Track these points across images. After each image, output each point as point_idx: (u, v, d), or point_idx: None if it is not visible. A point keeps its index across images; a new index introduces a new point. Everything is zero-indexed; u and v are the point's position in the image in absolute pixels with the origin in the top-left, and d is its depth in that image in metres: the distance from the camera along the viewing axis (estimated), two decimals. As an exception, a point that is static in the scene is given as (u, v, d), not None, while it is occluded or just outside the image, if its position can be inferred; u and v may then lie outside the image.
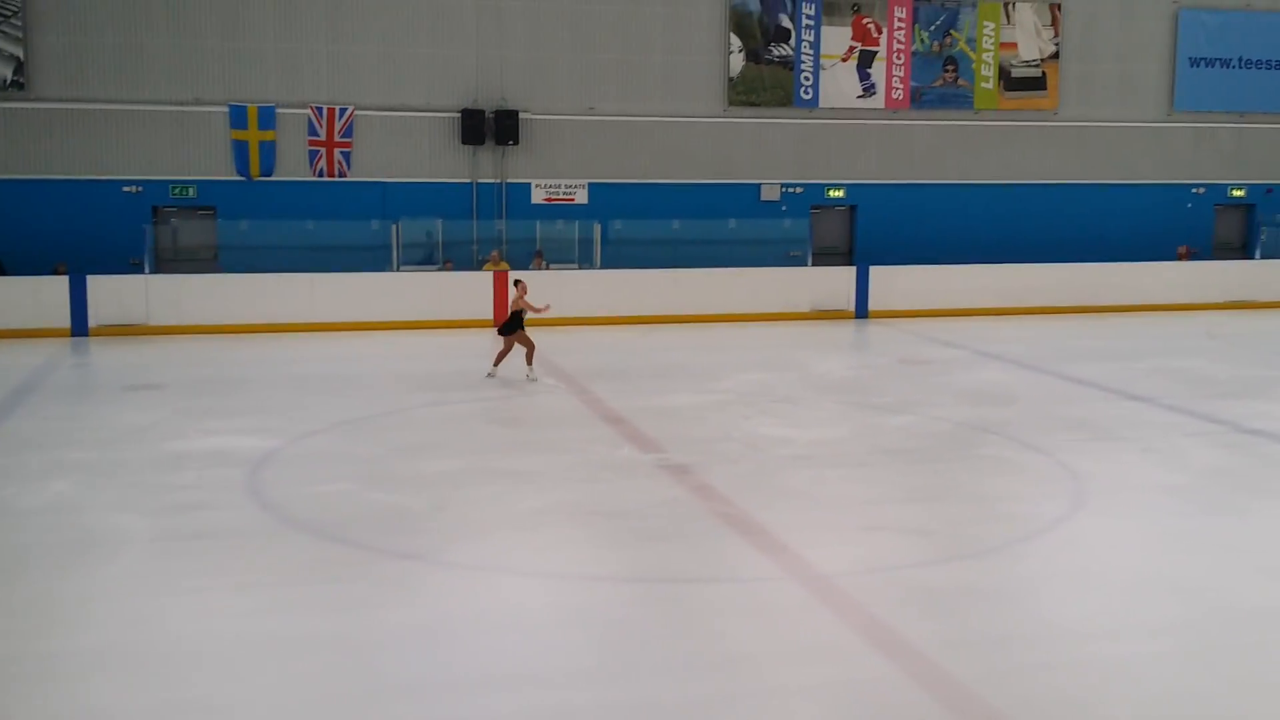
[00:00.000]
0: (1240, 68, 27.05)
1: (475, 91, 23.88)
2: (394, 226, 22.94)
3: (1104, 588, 8.53)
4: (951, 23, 25.78)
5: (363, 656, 7.15)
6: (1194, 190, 27.09)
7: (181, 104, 22.91)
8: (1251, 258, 26.72)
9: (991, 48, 25.97)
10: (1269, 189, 27.25)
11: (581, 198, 24.51)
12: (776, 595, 8.36)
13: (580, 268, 23.63)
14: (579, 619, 7.87)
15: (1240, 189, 27.28)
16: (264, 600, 8.04)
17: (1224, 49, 26.91)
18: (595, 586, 8.49)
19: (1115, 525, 10.03)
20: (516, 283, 16.65)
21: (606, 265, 23.45)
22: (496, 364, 16.26)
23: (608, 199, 24.45)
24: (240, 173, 23.18)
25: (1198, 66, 26.83)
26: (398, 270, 22.59)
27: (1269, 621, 7.89)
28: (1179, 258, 25.92)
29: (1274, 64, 27.18)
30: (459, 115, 23.79)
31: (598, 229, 23.81)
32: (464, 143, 23.83)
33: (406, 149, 23.83)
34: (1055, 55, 26.21)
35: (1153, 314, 23.85)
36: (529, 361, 16.16)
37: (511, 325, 16.22)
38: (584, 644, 7.45)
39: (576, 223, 24.06)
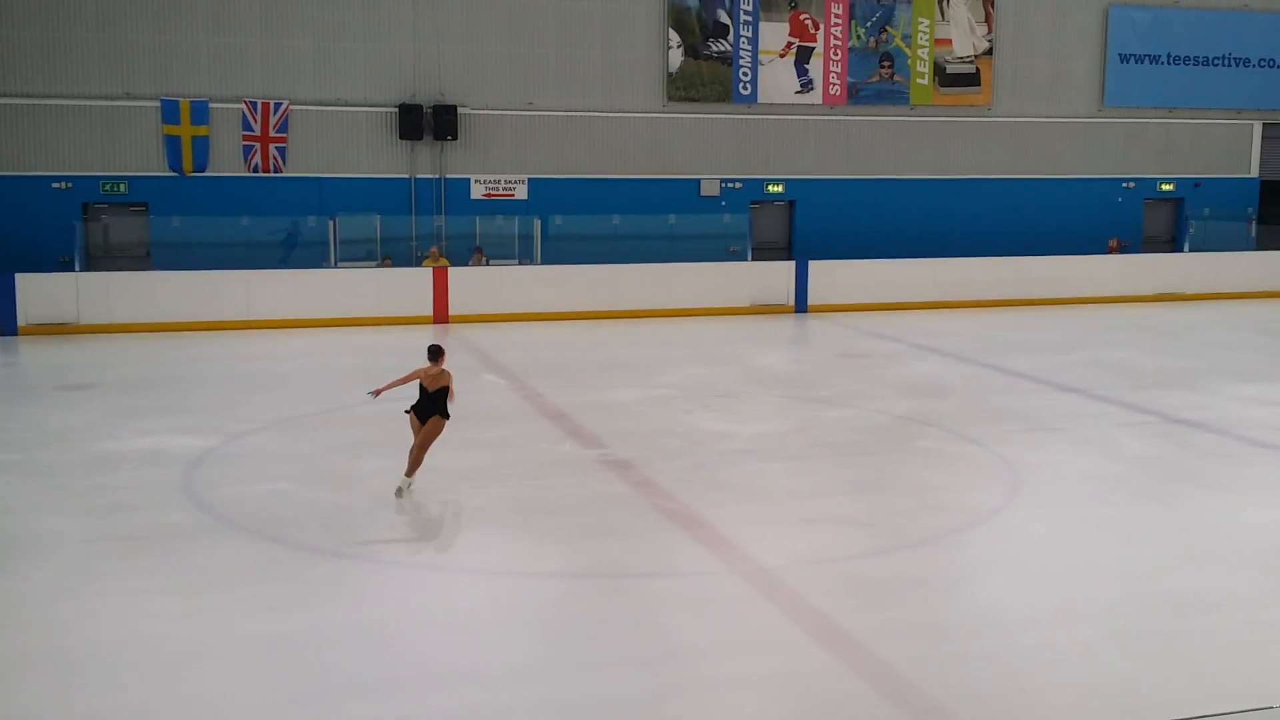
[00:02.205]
0: (1169, 64, 27.56)
1: (413, 86, 23.70)
2: (331, 223, 22.71)
3: (1039, 576, 8.67)
4: (887, 19, 26.01)
5: (301, 657, 7.08)
6: (1124, 185, 27.58)
7: (112, 98, 22.49)
8: (1180, 251, 27.25)
9: (926, 44, 26.23)
10: (1197, 183, 27.82)
11: (521, 193, 24.42)
12: (718, 589, 8.40)
13: (520, 263, 23.54)
14: (520, 616, 7.86)
15: (1169, 183, 27.81)
16: (200, 602, 7.93)
17: (1153, 45, 27.41)
18: (537, 583, 8.48)
19: (1049, 515, 10.19)
20: (436, 352, 10.49)
21: (547, 261, 23.38)
22: (411, 471, 10.27)
23: (548, 194, 24.38)
24: (173, 168, 22.81)
25: (1128, 62, 27.31)
26: (335, 267, 22.37)
27: (1198, 608, 8.06)
28: (1110, 251, 26.38)
29: (1202, 60, 27.73)
30: (396, 110, 23.59)
31: (538, 224, 23.74)
32: (402, 138, 23.64)
33: (343, 144, 23.59)
34: (989, 51, 26.55)
35: (1084, 307, 24.25)
36: (416, 463, 10.28)
37: (431, 405, 10.30)
38: (525, 641, 7.43)
39: (516, 218, 23.98)
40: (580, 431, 12.95)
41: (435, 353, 10.38)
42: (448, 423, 10.30)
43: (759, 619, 7.85)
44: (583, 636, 7.49)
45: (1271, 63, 27.98)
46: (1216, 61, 27.76)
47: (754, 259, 24.57)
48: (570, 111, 24.56)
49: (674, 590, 8.32)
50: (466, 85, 24.00)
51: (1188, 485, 11.15)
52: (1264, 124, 28.09)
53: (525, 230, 23.83)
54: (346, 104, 23.49)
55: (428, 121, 23.68)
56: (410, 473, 10.20)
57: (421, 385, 10.30)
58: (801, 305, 23.44)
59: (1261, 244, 27.65)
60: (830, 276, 23.62)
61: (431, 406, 10.22)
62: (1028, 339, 19.90)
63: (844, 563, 8.77)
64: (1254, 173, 28.14)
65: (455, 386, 10.42)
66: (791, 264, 23.81)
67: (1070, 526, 9.88)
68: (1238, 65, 27.88)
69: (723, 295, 23.18)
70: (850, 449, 12.43)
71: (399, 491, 10.18)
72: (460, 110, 23.84)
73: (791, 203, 26.01)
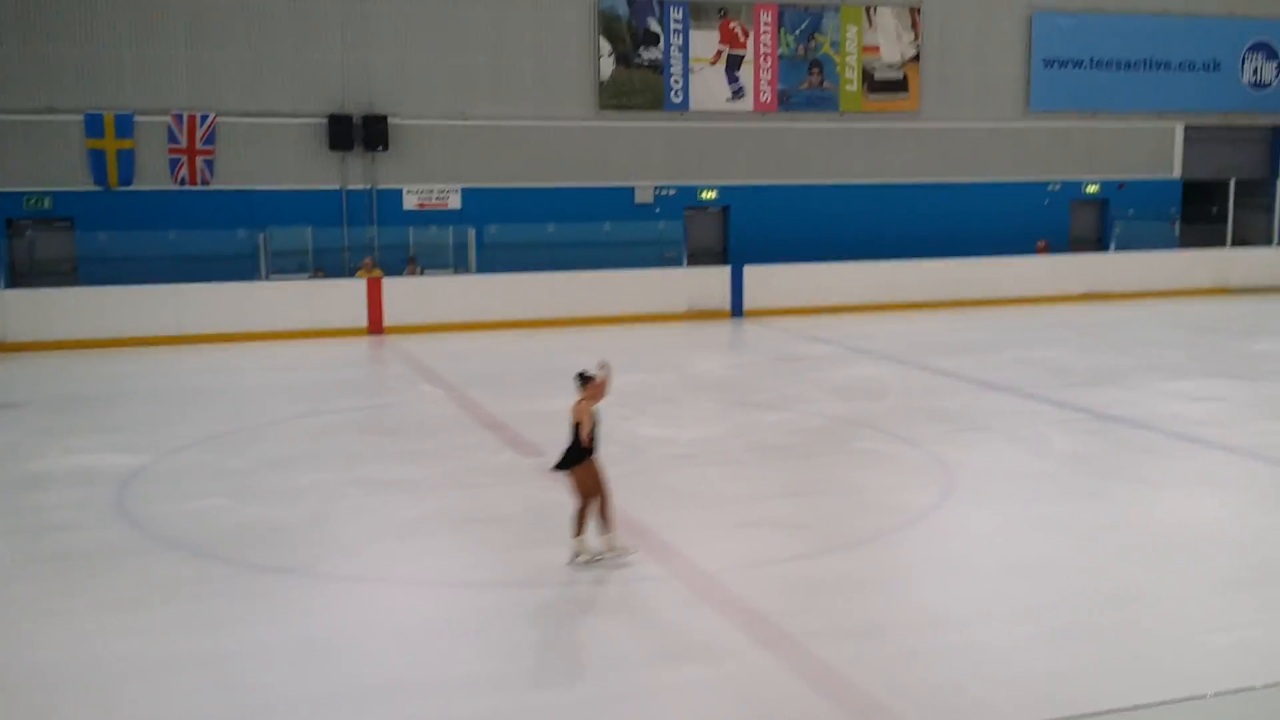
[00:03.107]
0: (1092, 68, 28.12)
1: (342, 96, 23.52)
2: (261, 235, 22.45)
3: (974, 574, 8.79)
4: (816, 26, 26.27)
5: (236, 675, 6.99)
6: (1050, 187, 28.09)
7: (34, 112, 22.05)
8: (1106, 251, 27.80)
9: (855, 51, 26.53)
10: (1121, 185, 28.40)
11: (455, 203, 24.32)
12: (659, 594, 8.42)
13: (455, 273, 23.44)
14: (459, 627, 7.82)
15: (1094, 185, 28.36)
16: (133, 621, 7.80)
17: (1076, 50, 27.95)
18: (476, 593, 8.44)
19: (983, 513, 10.34)
20: (584, 379, 8.98)
21: (482, 270, 23.32)
22: (580, 531, 8.82)
23: (481, 204, 24.31)
24: (98, 182, 22.42)
25: (1052, 67, 27.81)
26: (266, 279, 22.11)
27: (1130, 601, 8.22)
28: (1038, 252, 26.84)
29: (1124, 64, 28.32)
30: (326, 121, 23.39)
31: (472, 234, 23.66)
32: (332, 149, 23.44)
33: (272, 156, 23.33)
34: (916, 58, 26.91)
35: (1015, 307, 24.64)
36: (606, 522, 8.90)
37: (574, 456, 8.85)
38: (464, 652, 7.40)
39: (450, 228, 23.88)
40: (519, 440, 12.92)
41: (582, 380, 8.88)
42: (584, 465, 8.79)
43: (700, 623, 7.88)
44: (523, 646, 7.47)
45: (1192, 65, 28.66)
46: (1138, 65, 28.37)
47: (689, 265, 24.68)
48: (503, 121, 24.51)
49: (615, 598, 8.33)
50: (397, 95, 23.86)
51: (1117, 480, 11.37)
52: (1185, 126, 28.76)
53: (460, 240, 23.74)
54: (275, 115, 23.25)
55: (358, 132, 23.50)
56: (579, 532, 8.82)
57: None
58: (737, 310, 23.58)
59: (1184, 243, 28.29)
60: (765, 281, 23.79)
61: (573, 455, 8.78)
62: (960, 339, 20.18)
63: (783, 565, 8.83)
64: (1176, 173, 28.79)
65: (582, 419, 8.76)
66: (727, 269, 23.95)
67: (1004, 524, 10.03)
68: (1159, 69, 28.52)
69: (659, 301, 23.26)
70: (788, 452, 12.52)
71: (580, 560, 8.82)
72: (391, 120, 23.70)
73: (726, 209, 26.17)
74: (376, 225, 23.64)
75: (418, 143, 24.06)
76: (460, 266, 23.65)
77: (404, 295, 21.86)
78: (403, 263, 23.19)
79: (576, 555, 8.90)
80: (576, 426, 8.77)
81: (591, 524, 8.82)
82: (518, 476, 11.46)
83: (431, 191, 24.22)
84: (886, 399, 15.21)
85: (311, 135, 23.49)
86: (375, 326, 21.49)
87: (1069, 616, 7.95)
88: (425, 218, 24.07)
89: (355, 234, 23.60)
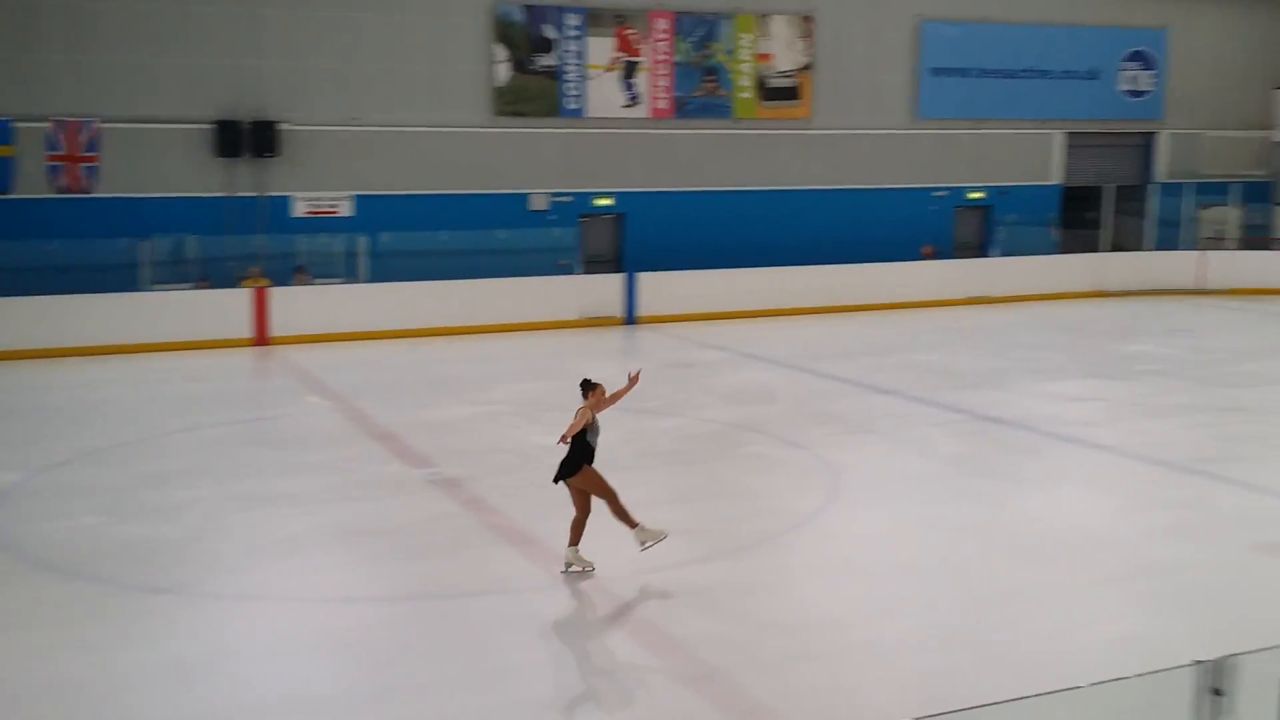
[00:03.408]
0: (978, 77, 28.77)
1: (231, 102, 23.00)
2: (144, 244, 21.84)
3: (860, 575, 8.94)
4: (710, 34, 26.46)
5: (109, 700, 6.79)
6: (936, 194, 28.67)
7: (-100, 116, 21.18)
8: (989, 255, 28.47)
9: (749, 59, 26.78)
10: (1004, 190, 29.09)
11: (346, 210, 23.94)
12: (549, 604, 8.41)
13: (346, 282, 23.08)
14: (346, 642, 7.70)
15: (978, 191, 29.01)
16: (4, 644, 7.53)
17: (963, 59, 28.56)
18: (362, 608, 8.32)
19: (870, 515, 10.52)
20: (589, 386, 9.39)
21: (373, 278, 22.97)
22: (574, 541, 8.93)
23: (373, 211, 23.96)
24: (-28, 190, 21.61)
25: (939, 76, 28.39)
26: (149, 290, 21.51)
27: (1011, 599, 8.42)
28: (924, 257, 27.36)
29: (1008, 73, 29.02)
30: (214, 127, 22.86)
31: (363, 242, 23.31)
32: (219, 155, 22.89)
33: (158, 163, 22.69)
34: (808, 66, 27.26)
35: (901, 311, 25.09)
36: (625, 519, 8.89)
37: (571, 466, 8.99)
38: (350, 668, 7.29)
39: (341, 236, 23.49)
40: (408, 451, 12.77)
41: (586, 388, 9.21)
42: (581, 473, 8.91)
43: (590, 633, 7.88)
44: (411, 660, 7.38)
45: (1072, 74, 29.49)
46: (1021, 74, 29.10)
47: (584, 272, 24.65)
48: (396, 127, 24.22)
49: (504, 608, 8.28)
50: (288, 100, 23.41)
51: (998, 480, 11.66)
52: (1066, 133, 29.57)
53: (351, 248, 23.37)
54: (160, 121, 22.64)
55: (246, 138, 23.00)
56: (574, 542, 8.90)
57: None
58: (631, 317, 23.62)
59: (1064, 247, 29.10)
60: (659, 288, 23.87)
61: (576, 457, 8.93)
62: (848, 344, 20.50)
63: (673, 571, 8.86)
64: (1056, 180, 29.60)
65: (575, 421, 8.96)
66: (621, 276, 23.97)
67: (889, 525, 10.21)
68: (1041, 77, 29.29)
69: (553, 309, 23.19)
70: (679, 458, 12.59)
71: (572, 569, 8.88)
72: (281, 126, 23.25)
73: (621, 215, 26.20)
74: (264, 233, 23.16)
75: (308, 149, 23.63)
76: (351, 275, 23.27)
77: (292, 305, 21.45)
78: (291, 272, 22.75)
79: (568, 565, 8.86)
80: (576, 436, 8.87)
81: (606, 526, 8.91)
82: (407, 488, 11.33)
83: (322, 199, 23.81)
84: (776, 404, 15.37)
85: (199, 141, 22.92)
86: (261, 337, 21.05)
87: (952, 615, 8.12)
88: (316, 225, 23.64)
89: (242, 242, 23.08)
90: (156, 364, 19.00)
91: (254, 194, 23.27)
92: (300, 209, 23.55)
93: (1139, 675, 4.24)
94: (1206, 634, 7.49)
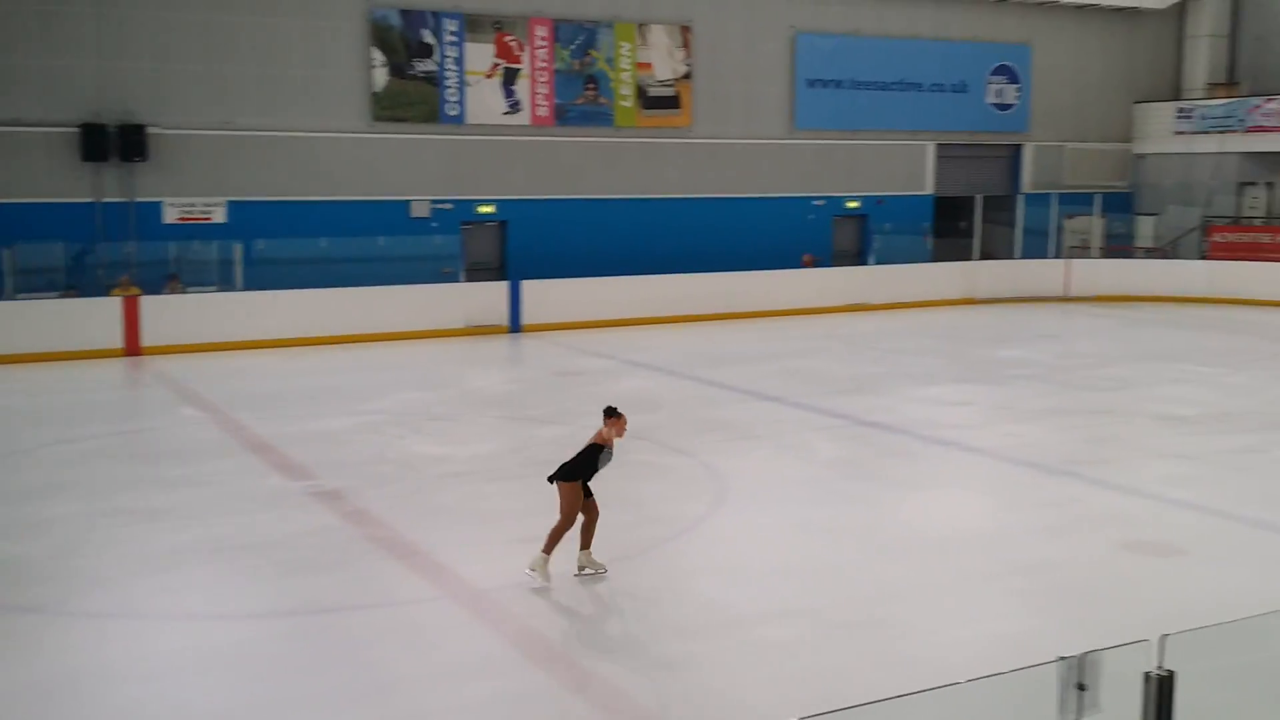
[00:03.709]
0: (852, 89, 29.37)
1: (97, 105, 22.26)
2: (7, 251, 21.00)
3: (746, 579, 9.02)
4: (590, 42, 26.52)
5: (-28, 726, 6.50)
6: (815, 203, 29.18)
7: None
8: (866, 263, 29.08)
9: (629, 67, 26.92)
10: (880, 200, 29.75)
11: (220, 216, 23.35)
12: (432, 616, 8.30)
13: (220, 290, 22.50)
14: (222, 659, 7.49)
15: (855, 201, 29.62)
16: None
17: (836, 71, 29.14)
18: (239, 624, 8.11)
19: (755, 519, 10.64)
20: (611, 414, 9.33)
21: (249, 286, 22.44)
22: (548, 549, 8.85)
23: (249, 217, 23.41)
24: None
25: (814, 87, 28.91)
26: (14, 299, 20.68)
27: (891, 599, 8.60)
28: (803, 265, 27.83)
29: (880, 85, 29.68)
30: (79, 130, 22.09)
31: (238, 249, 22.74)
32: (85, 159, 22.14)
33: (21, 167, 21.83)
34: (688, 75, 27.51)
35: (782, 318, 25.46)
36: (552, 542, 8.86)
37: (570, 471, 9.11)
38: (225, 687, 7.09)
39: (215, 243, 22.88)
40: (287, 464, 12.49)
41: (610, 415, 9.24)
42: (573, 485, 9.02)
43: (474, 643, 7.80)
44: (291, 676, 7.21)
45: (941, 87, 30.30)
46: (893, 86, 29.79)
47: (467, 280, 24.47)
48: (271, 131, 23.71)
49: (386, 621, 8.15)
50: (157, 104, 22.75)
51: (877, 483, 11.90)
52: (937, 144, 30.36)
53: (225, 255, 22.78)
54: (22, 124, 21.81)
55: (114, 142, 22.29)
56: (547, 550, 8.83)
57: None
58: (516, 325, 23.52)
59: (936, 256, 29.87)
60: (544, 296, 23.82)
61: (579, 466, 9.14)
62: (731, 351, 20.71)
63: (561, 579, 8.83)
64: (929, 190, 30.37)
65: (597, 440, 9.19)
66: (505, 284, 23.86)
67: (773, 529, 10.34)
68: (912, 90, 30.03)
69: (436, 317, 22.95)
70: (564, 466, 12.53)
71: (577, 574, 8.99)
72: (150, 130, 22.58)
73: (503, 223, 26.08)
74: (135, 240, 22.45)
75: (180, 154, 22.99)
76: (226, 283, 22.71)
77: (164, 314, 20.84)
78: (163, 280, 22.10)
79: (581, 569, 8.95)
80: (589, 447, 9.07)
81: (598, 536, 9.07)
82: (285, 501, 11.08)
83: (194, 204, 23.18)
84: (661, 411, 15.45)
85: (63, 145, 22.12)
86: (132, 347, 20.41)
87: (837, 614, 8.26)
88: (187, 232, 23.00)
89: (111, 249, 22.34)
90: (22, 375, 18.28)
91: (123, 199, 22.56)
92: (172, 215, 22.90)
93: (1011, 671, 4.37)
94: (1077, 630, 7.74)
